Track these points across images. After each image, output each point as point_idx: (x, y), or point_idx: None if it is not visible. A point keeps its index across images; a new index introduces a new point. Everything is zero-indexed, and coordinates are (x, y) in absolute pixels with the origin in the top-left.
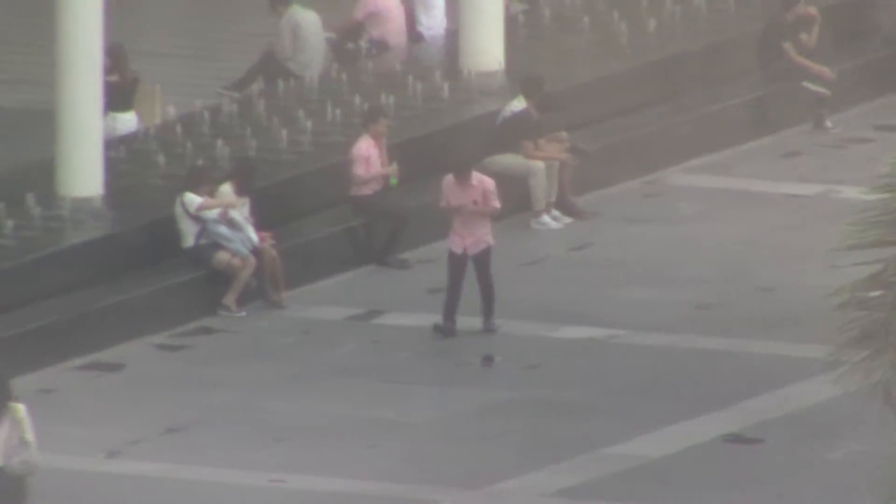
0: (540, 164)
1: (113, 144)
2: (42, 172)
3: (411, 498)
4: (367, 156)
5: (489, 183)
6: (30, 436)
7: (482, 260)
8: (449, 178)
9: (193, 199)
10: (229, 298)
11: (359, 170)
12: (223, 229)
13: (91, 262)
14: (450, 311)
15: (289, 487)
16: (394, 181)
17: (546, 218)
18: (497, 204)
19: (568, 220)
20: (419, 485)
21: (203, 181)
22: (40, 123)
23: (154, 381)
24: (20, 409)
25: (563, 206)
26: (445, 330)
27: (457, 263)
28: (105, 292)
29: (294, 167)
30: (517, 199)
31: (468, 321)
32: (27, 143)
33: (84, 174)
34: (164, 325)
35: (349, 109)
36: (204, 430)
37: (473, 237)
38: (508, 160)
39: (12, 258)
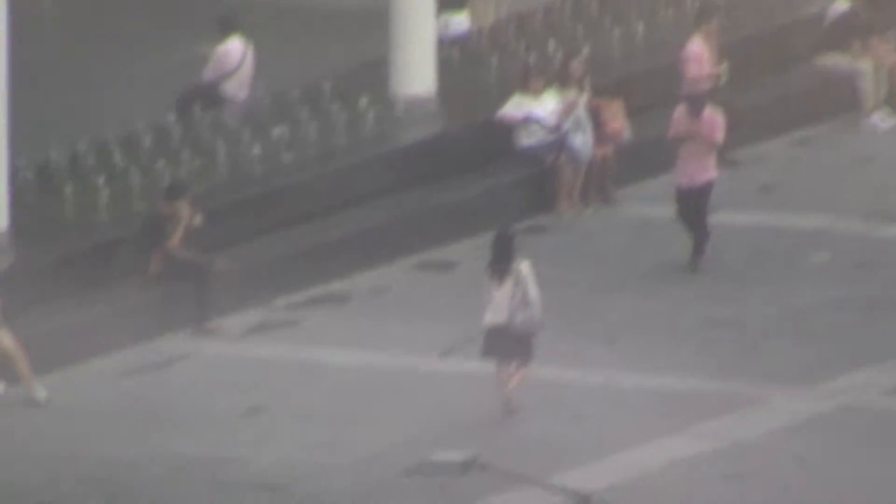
0: (867, 65)
1: (444, 45)
2: (376, 72)
3: (742, 395)
4: (700, 54)
5: (719, 119)
6: (534, 292)
7: (703, 192)
8: (681, 108)
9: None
10: (562, 198)
11: (691, 69)
12: (569, 129)
13: (423, 160)
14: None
15: (622, 386)
16: (724, 78)
17: (875, 119)
18: (720, 138)
19: None
20: (750, 382)
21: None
22: (375, 24)
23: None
24: (525, 266)
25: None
26: (694, 263)
27: (683, 198)
28: (437, 191)
29: (625, 64)
30: (846, 99)
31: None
32: (362, 44)
33: (416, 74)
34: (497, 223)
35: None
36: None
37: (697, 169)
38: (836, 60)
39: (346, 157)
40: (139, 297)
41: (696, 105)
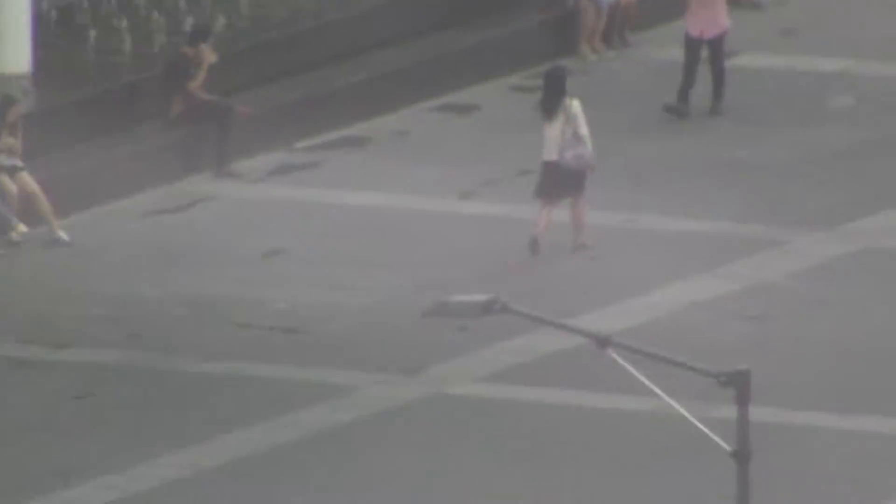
0: None
1: None
2: None
3: (764, 237)
4: None
5: None
6: (584, 130)
7: (717, 42)
8: None
9: None
10: (585, 40)
11: None
12: None
13: (445, 3)
14: (683, 92)
15: (639, 226)
16: None
17: None
18: None
19: None
20: (770, 225)
21: None
22: None
23: (507, 123)
24: (575, 104)
25: None
26: (678, 110)
27: (692, 46)
28: (458, 34)
29: None
30: None
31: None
32: None
33: None
34: (518, 66)
35: None
36: None
37: (709, 19)
38: None
39: (367, 0)
40: (161, 139)
41: None
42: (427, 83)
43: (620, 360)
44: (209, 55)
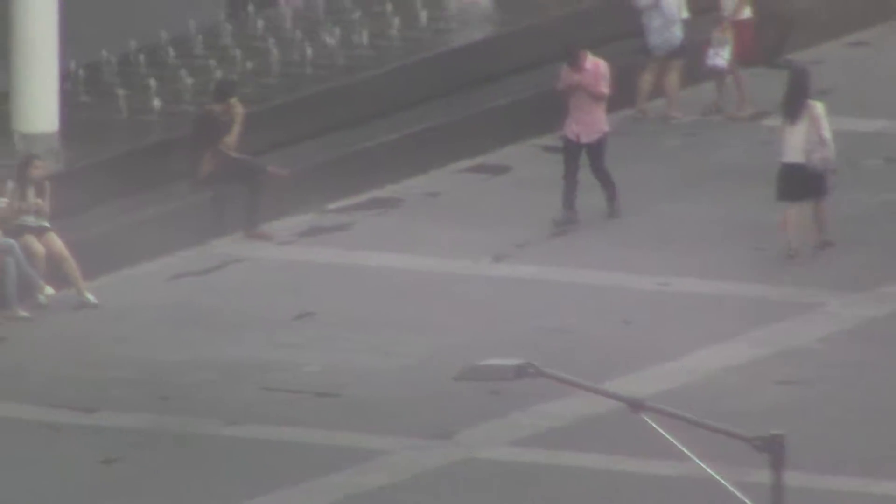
0: None
1: None
2: None
3: (795, 301)
4: None
5: (603, 66)
6: (828, 133)
7: (595, 147)
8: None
9: None
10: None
11: None
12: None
13: (476, 63)
14: (567, 199)
15: (674, 290)
16: None
17: None
18: (605, 89)
19: None
20: (804, 288)
21: None
22: None
23: (539, 184)
24: (819, 106)
25: None
26: (564, 220)
27: (570, 150)
28: (490, 94)
29: None
30: None
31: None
32: None
33: None
34: (550, 126)
35: None
36: (588, 233)
37: (587, 123)
38: None
39: (398, 59)
40: (190, 200)
41: (573, 57)
42: (458, 143)
43: (654, 425)
44: (239, 109)
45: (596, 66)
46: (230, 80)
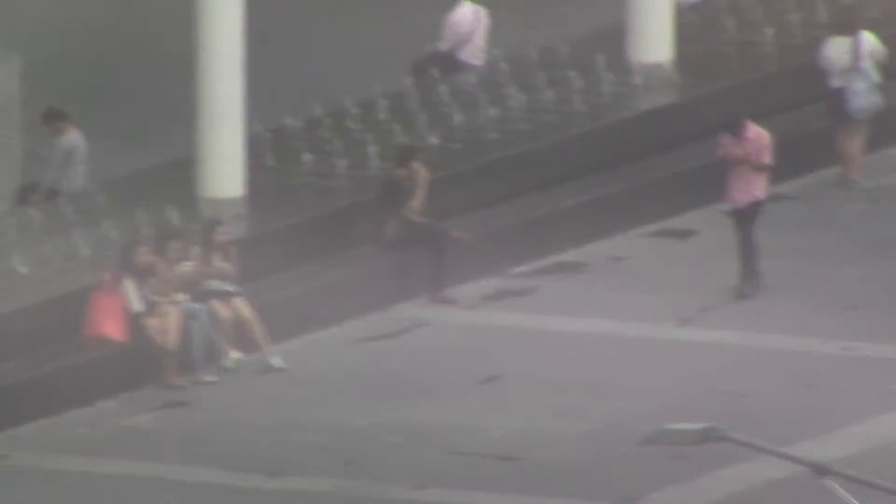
0: None
1: (683, 12)
2: (612, 39)
3: None
4: None
5: (765, 136)
6: None
7: (746, 213)
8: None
9: None
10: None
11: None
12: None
13: (660, 128)
14: (746, 267)
15: (857, 354)
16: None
17: None
18: (768, 160)
19: None
20: None
21: None
22: None
23: (724, 249)
24: None
25: None
26: (744, 291)
27: (736, 218)
28: (675, 159)
29: None
30: None
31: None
32: (598, 9)
33: (654, 40)
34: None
35: None
36: (771, 298)
37: (742, 190)
38: None
39: (583, 124)
40: (375, 264)
41: (736, 127)
42: (643, 208)
43: (840, 490)
44: (423, 173)
45: (759, 135)
46: (411, 144)
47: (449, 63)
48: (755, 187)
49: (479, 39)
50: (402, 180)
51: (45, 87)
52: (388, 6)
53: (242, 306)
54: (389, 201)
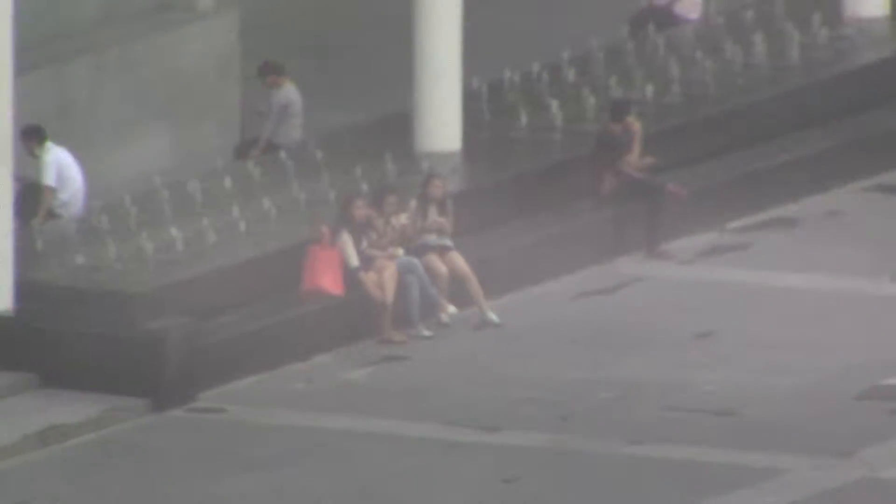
0: None
1: None
2: None
3: None
4: None
5: None
6: None
7: None
8: None
9: None
10: None
11: None
12: None
13: (877, 82)
14: None
15: None
16: None
17: None
18: None
19: None
20: None
21: None
22: None
23: None
24: None
25: None
26: None
27: None
28: (892, 113)
29: None
30: None
31: None
32: None
33: None
34: None
35: None
36: None
37: None
38: None
39: (798, 78)
40: (591, 219)
41: None
42: (859, 163)
43: None
44: (636, 128)
45: None
46: (624, 99)
47: (665, 17)
48: None
49: None
50: (618, 135)
51: (264, 42)
52: None
53: (458, 260)
54: (605, 156)
